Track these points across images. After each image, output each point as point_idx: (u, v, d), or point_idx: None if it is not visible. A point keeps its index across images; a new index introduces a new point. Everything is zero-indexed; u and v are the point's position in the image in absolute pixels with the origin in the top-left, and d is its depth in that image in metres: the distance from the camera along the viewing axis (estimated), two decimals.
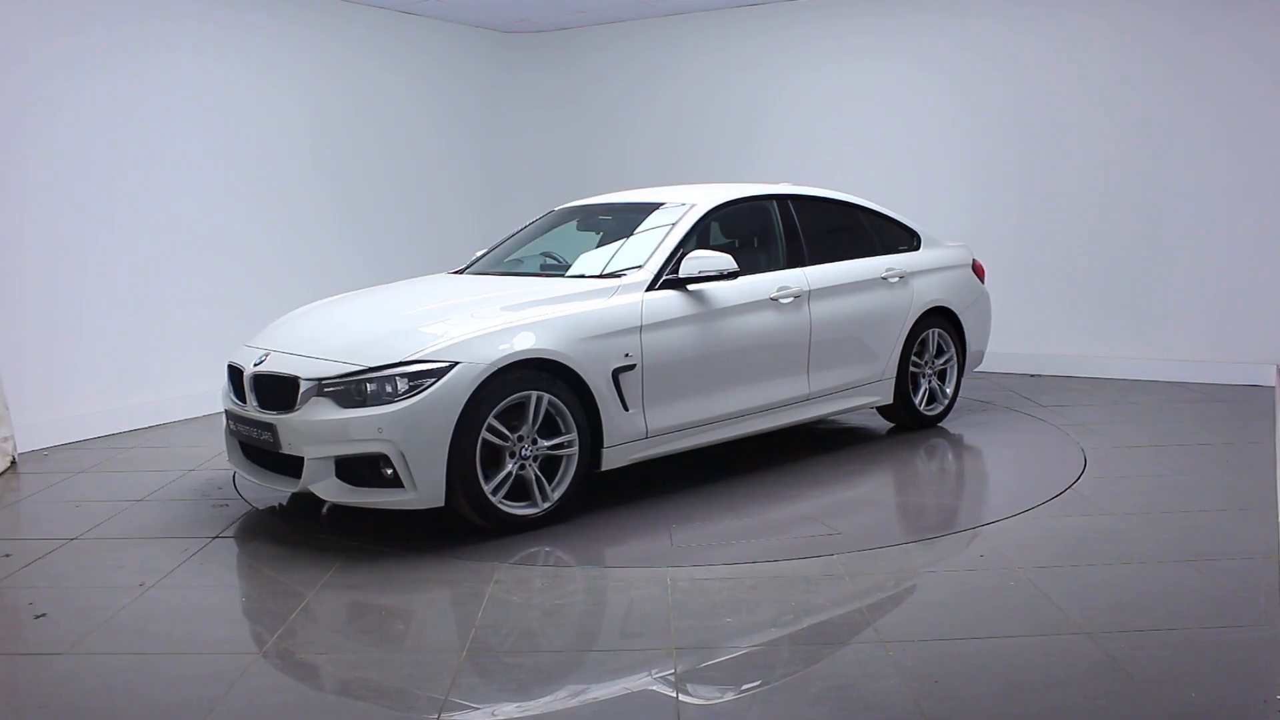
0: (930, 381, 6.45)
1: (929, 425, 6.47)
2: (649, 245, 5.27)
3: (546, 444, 4.60)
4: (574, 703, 3.16)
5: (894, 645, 3.42)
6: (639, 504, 4.99)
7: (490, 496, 4.45)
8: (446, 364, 4.34)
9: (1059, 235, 8.13)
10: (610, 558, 4.41)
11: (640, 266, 5.12)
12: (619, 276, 5.08)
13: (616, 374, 4.76)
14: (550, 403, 4.56)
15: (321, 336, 4.81)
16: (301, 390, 4.42)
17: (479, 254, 6.18)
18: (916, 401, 6.36)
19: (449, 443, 4.31)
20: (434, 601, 3.98)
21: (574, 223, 6.10)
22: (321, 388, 4.40)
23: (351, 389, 4.35)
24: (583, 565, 4.29)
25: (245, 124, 7.70)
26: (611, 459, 4.82)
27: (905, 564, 4.21)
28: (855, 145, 8.82)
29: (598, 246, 5.64)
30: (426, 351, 4.38)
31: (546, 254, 5.82)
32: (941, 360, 6.52)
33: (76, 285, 6.68)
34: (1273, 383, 7.29)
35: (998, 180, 8.31)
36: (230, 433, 4.96)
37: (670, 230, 5.31)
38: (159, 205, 7.14)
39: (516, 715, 3.10)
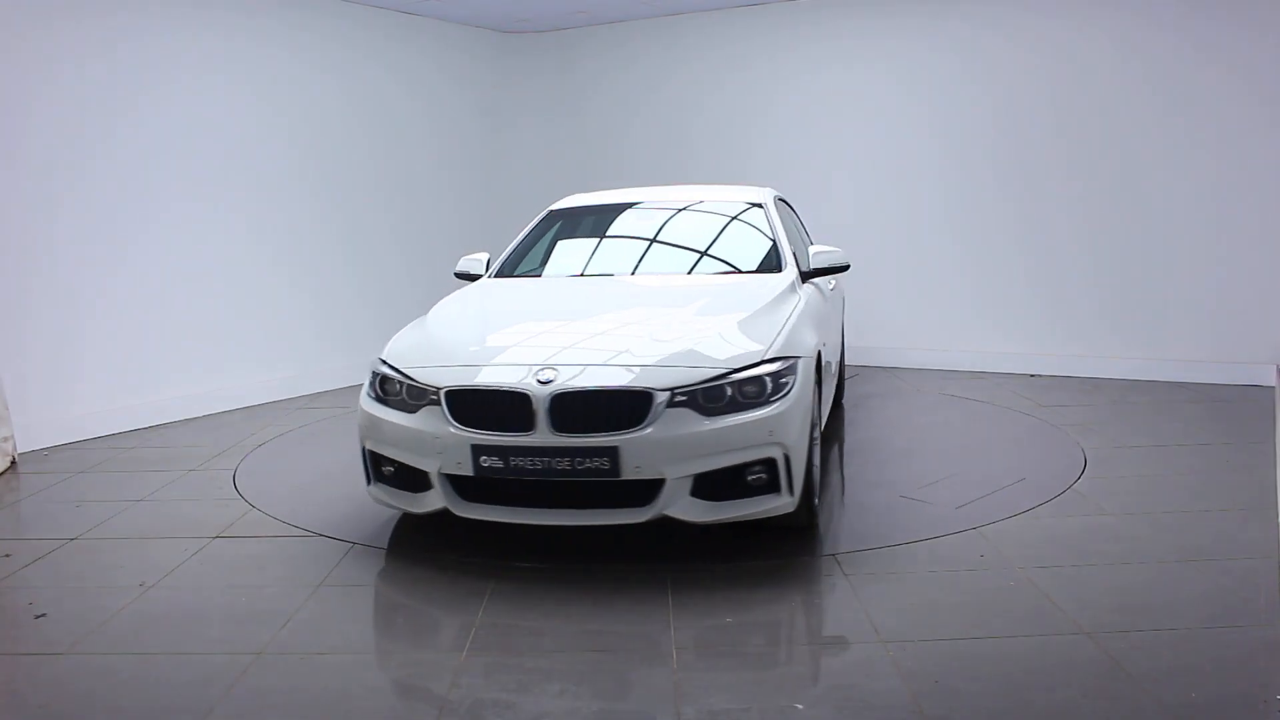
0: None
1: (839, 403, 7.12)
2: (758, 240, 5.46)
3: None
4: (573, 702, 3.16)
5: (894, 645, 3.42)
6: None
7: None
8: (795, 359, 4.23)
9: (1059, 235, 8.13)
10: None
11: (782, 261, 5.28)
12: (776, 271, 5.20)
13: (818, 361, 4.80)
14: None
15: (594, 345, 4.31)
16: (655, 403, 3.97)
17: (478, 256, 5.88)
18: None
19: (809, 439, 4.24)
20: (434, 600, 3.98)
21: (611, 222, 5.97)
22: (674, 398, 3.99)
23: (700, 395, 3.99)
24: (580, 566, 4.29)
25: (244, 127, 7.70)
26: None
27: (905, 564, 4.20)
28: (854, 145, 8.82)
29: (672, 244, 5.65)
30: (774, 349, 4.20)
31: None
32: None
33: (77, 286, 6.69)
34: (1273, 383, 7.28)
35: (997, 180, 8.31)
36: (475, 473, 4.08)
37: (773, 227, 5.55)
38: (159, 207, 7.14)
39: (516, 715, 3.10)
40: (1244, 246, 7.48)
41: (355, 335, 8.63)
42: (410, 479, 4.32)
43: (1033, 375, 8.19)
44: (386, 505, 4.53)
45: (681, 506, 4.00)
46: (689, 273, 5.40)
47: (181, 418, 7.25)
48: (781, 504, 4.11)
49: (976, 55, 8.30)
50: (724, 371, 4.05)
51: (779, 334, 4.34)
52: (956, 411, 7.05)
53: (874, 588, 3.94)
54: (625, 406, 3.97)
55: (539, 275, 5.64)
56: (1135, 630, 3.48)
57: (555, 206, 6.26)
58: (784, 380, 4.12)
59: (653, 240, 5.75)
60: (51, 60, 6.49)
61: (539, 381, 4.02)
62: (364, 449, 4.50)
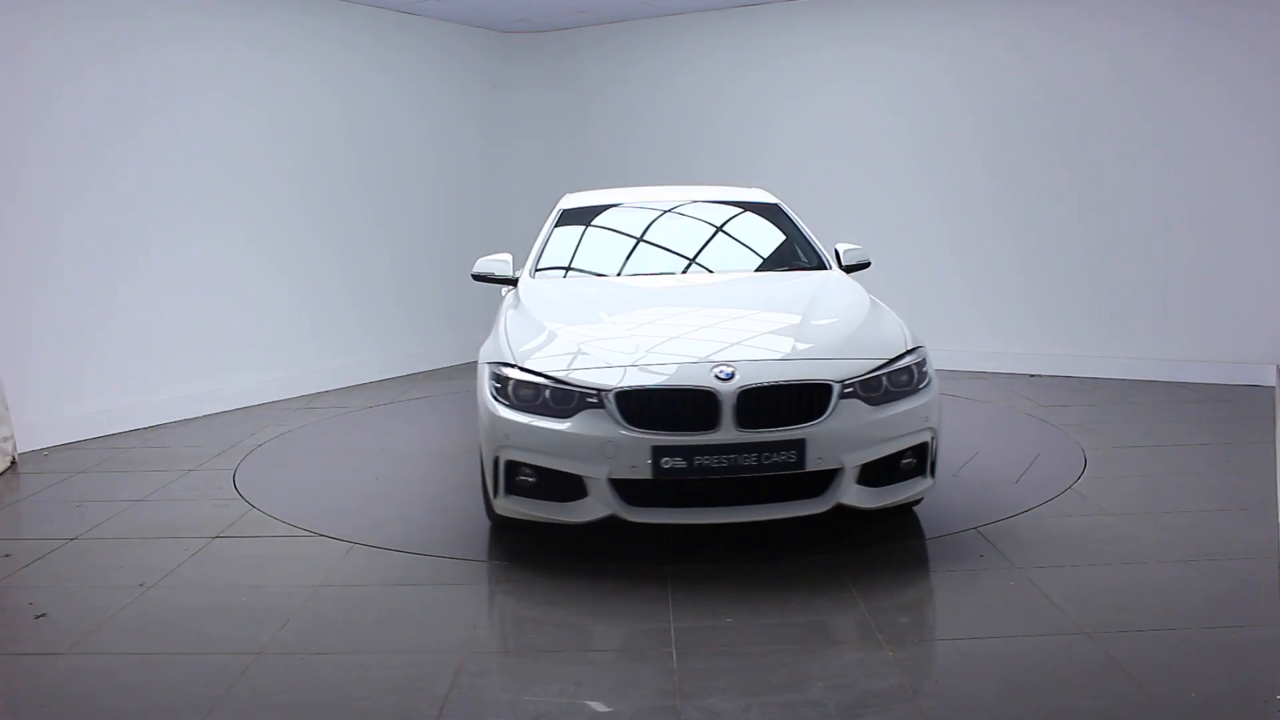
0: None
1: None
2: (792, 238, 5.67)
3: None
4: (573, 701, 3.16)
5: (894, 645, 3.42)
6: None
7: None
8: (923, 348, 4.45)
9: (1059, 235, 8.13)
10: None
11: (824, 259, 5.51)
12: (822, 268, 5.44)
13: None
14: None
15: (745, 341, 4.33)
16: (835, 394, 4.06)
17: (501, 257, 5.61)
18: None
19: None
20: (434, 601, 3.98)
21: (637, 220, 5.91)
22: (843, 389, 4.10)
23: (861, 386, 4.14)
24: (580, 566, 4.28)
25: (243, 130, 7.70)
26: None
27: (906, 564, 4.20)
28: (854, 146, 8.81)
29: (700, 241, 5.71)
30: (908, 339, 4.43)
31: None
32: None
33: (77, 287, 6.68)
34: (1273, 383, 7.27)
35: (997, 181, 8.31)
36: (654, 476, 3.96)
37: (799, 227, 5.76)
38: (158, 209, 7.14)
39: (516, 715, 3.10)
40: (1244, 246, 7.48)
41: (354, 336, 8.64)
42: (560, 488, 4.13)
43: (1033, 375, 8.18)
44: (524, 518, 4.28)
45: (851, 494, 4.11)
46: (753, 270, 5.52)
47: (181, 418, 7.25)
48: (927, 486, 4.35)
49: (976, 58, 8.30)
50: (883, 362, 4.23)
51: (900, 326, 4.54)
52: (954, 412, 7.04)
53: (874, 588, 3.94)
54: (805, 399, 4.04)
55: (594, 275, 5.46)
56: (1135, 630, 3.48)
57: (567, 206, 6.04)
58: (924, 369, 4.36)
59: (664, 239, 5.73)
60: (52, 67, 6.49)
61: (718, 378, 4.00)
62: (496, 460, 4.21)
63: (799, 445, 3.96)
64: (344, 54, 8.45)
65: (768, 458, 3.95)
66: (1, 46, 6.26)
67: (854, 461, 4.06)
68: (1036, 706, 3.03)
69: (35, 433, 6.40)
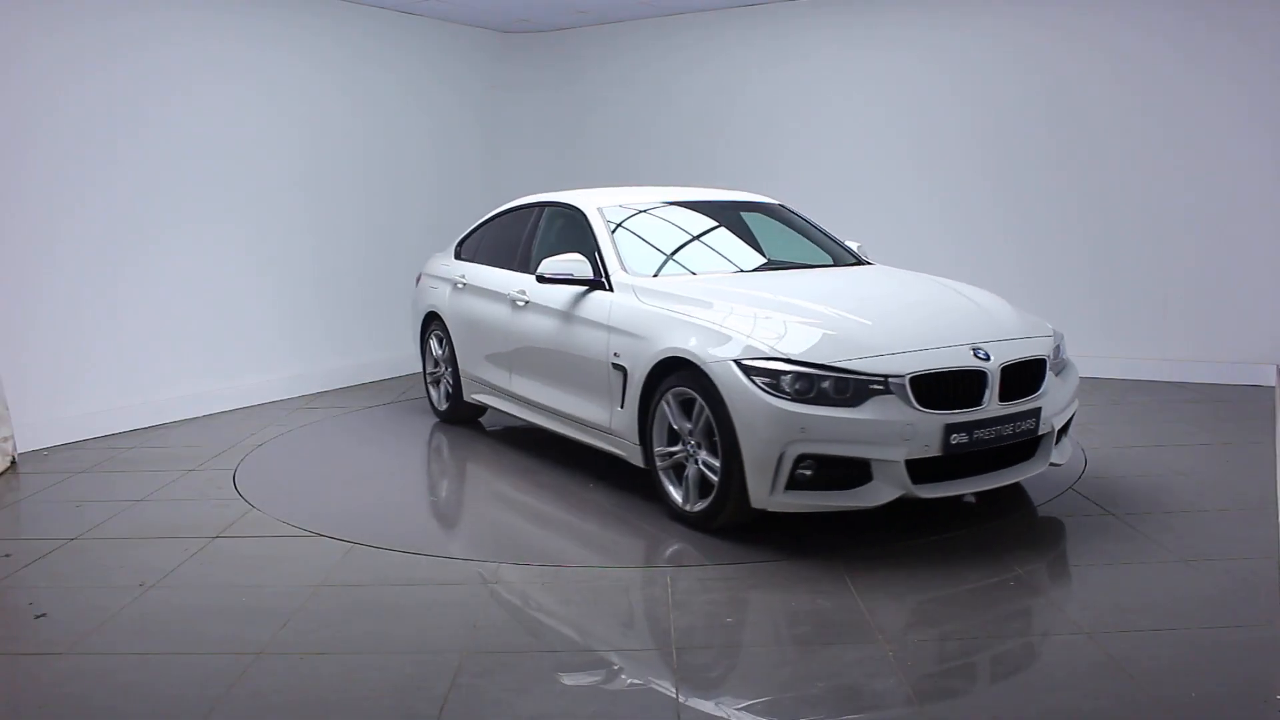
0: None
1: None
2: (814, 239, 6.01)
3: None
4: (573, 702, 3.16)
5: (894, 644, 3.42)
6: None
7: None
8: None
9: (1057, 235, 8.13)
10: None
11: (854, 250, 5.94)
12: (861, 264, 5.82)
13: None
14: None
15: (960, 322, 4.65)
16: (1048, 367, 4.58)
17: (574, 257, 5.36)
18: None
19: None
20: (434, 601, 3.98)
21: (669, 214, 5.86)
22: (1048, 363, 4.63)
23: (1041, 362, 4.58)
24: (580, 566, 4.29)
25: (243, 129, 7.68)
26: None
27: (905, 563, 4.20)
28: (848, 146, 8.81)
29: (739, 240, 5.86)
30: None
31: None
32: None
33: (78, 287, 6.68)
34: (1273, 383, 7.28)
35: (995, 181, 8.30)
36: (943, 453, 4.19)
37: (816, 225, 6.14)
38: (158, 209, 7.13)
39: (516, 714, 3.10)
40: (1244, 247, 7.48)
41: (353, 335, 8.64)
42: (843, 475, 4.20)
43: None
44: (804, 510, 4.29)
45: (1054, 454, 4.66)
46: (819, 266, 5.73)
47: (181, 418, 7.24)
48: (1070, 447, 4.93)
49: (974, 59, 8.29)
50: (1049, 338, 4.76)
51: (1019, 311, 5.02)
52: None
53: (874, 587, 3.94)
54: (1032, 373, 4.51)
55: (691, 271, 5.34)
56: (1135, 630, 3.48)
57: (599, 205, 5.73)
58: (1063, 346, 4.92)
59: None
60: (52, 67, 6.48)
61: (979, 358, 4.34)
62: (782, 455, 4.15)
63: (1037, 413, 4.45)
64: (343, 53, 8.45)
65: (1018, 426, 4.40)
66: (1, 46, 6.26)
67: (1058, 425, 4.62)
68: (1036, 706, 3.03)
69: (35, 433, 6.40)
